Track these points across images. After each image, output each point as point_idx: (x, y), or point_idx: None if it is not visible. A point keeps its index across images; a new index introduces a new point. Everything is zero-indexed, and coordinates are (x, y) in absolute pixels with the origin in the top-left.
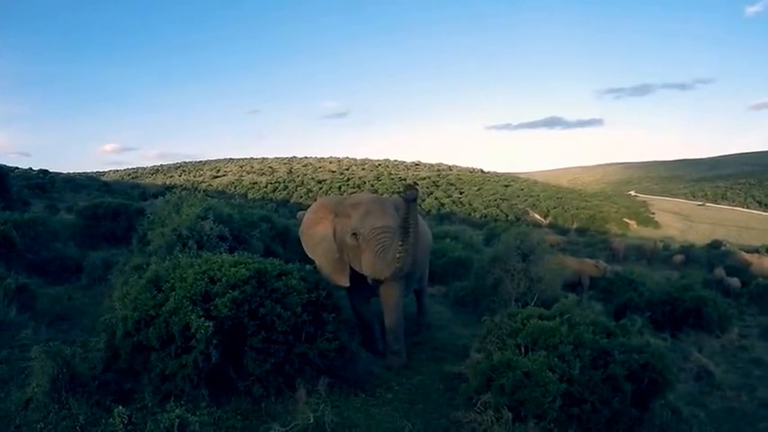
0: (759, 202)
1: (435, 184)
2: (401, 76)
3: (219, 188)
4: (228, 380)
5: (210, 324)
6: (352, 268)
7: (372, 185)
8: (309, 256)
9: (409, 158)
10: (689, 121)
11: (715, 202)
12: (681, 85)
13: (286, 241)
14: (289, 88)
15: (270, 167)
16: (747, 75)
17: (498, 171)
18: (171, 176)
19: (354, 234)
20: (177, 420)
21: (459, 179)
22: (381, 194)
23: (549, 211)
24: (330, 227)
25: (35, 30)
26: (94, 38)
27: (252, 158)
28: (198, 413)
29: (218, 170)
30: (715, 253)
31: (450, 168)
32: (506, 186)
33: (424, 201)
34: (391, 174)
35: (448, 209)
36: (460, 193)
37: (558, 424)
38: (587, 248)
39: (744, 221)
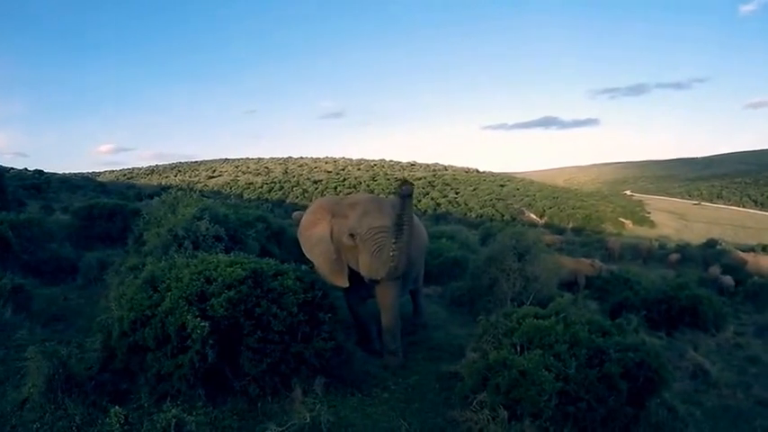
0: (755, 201)
1: (431, 185)
2: (397, 77)
3: (215, 188)
4: (225, 380)
5: (206, 324)
6: (350, 268)
7: (368, 186)
8: (308, 257)
9: (405, 158)
10: (684, 121)
11: (710, 201)
12: (676, 85)
13: (282, 241)
14: (285, 88)
15: (265, 168)
16: (743, 74)
17: (494, 171)
18: (166, 177)
19: (352, 234)
20: (174, 420)
21: (455, 179)
22: (377, 195)
23: (544, 210)
24: (327, 227)
25: (31, 31)
26: (91, 39)
27: (247, 159)
28: (194, 413)
29: (214, 170)
30: (711, 252)
31: (445, 168)
32: (502, 186)
33: (419, 201)
34: (387, 174)
35: (444, 209)
36: (456, 193)
37: (553, 422)
38: (583, 248)
39: (739, 220)
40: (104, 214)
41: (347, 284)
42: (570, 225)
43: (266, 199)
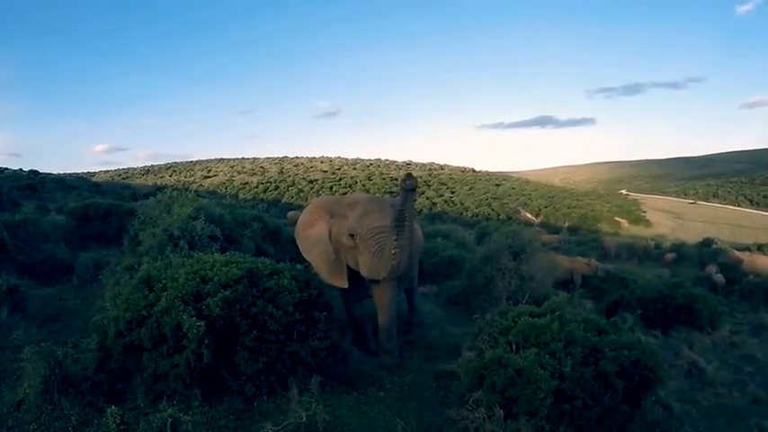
0: (750, 201)
1: (427, 184)
2: (393, 76)
3: (210, 188)
4: (221, 379)
5: (202, 324)
6: (348, 268)
7: (364, 185)
8: (305, 257)
9: (401, 158)
10: (680, 120)
11: (706, 200)
12: (672, 84)
13: (277, 241)
14: (280, 88)
15: (261, 167)
16: (739, 73)
17: (490, 170)
18: (162, 177)
19: (352, 234)
20: (170, 420)
21: (451, 178)
22: (373, 194)
23: (540, 209)
24: (325, 228)
25: (25, 31)
26: (86, 39)
27: (243, 158)
28: (190, 413)
29: (209, 170)
30: (706, 251)
31: (441, 168)
32: (498, 185)
33: (415, 200)
34: (383, 173)
35: (440, 208)
36: (452, 193)
37: (549, 421)
38: (579, 247)
39: (735, 219)
40: (100, 214)
41: (347, 285)
42: (566, 224)
43: (262, 199)
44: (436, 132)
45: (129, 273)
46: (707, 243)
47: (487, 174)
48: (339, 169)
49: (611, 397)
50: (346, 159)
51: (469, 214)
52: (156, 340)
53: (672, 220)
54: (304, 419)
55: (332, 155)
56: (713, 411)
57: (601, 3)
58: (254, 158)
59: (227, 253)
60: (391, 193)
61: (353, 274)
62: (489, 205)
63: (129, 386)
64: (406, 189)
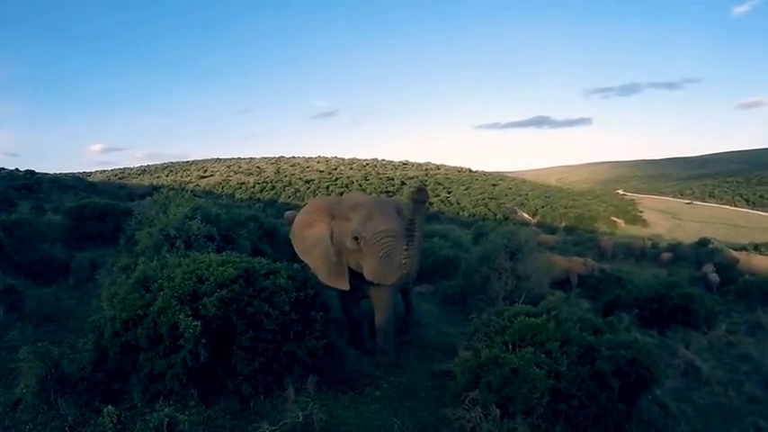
0: (747, 200)
1: (423, 184)
2: (390, 76)
3: (207, 188)
4: (217, 379)
5: (199, 323)
6: (348, 270)
7: (360, 185)
8: (302, 258)
9: (397, 158)
10: (677, 120)
11: (703, 200)
12: (668, 85)
13: (274, 241)
14: (277, 87)
15: (257, 167)
16: (735, 74)
17: (486, 170)
18: (158, 177)
19: (355, 238)
20: (166, 420)
21: (448, 178)
22: (369, 194)
23: (537, 209)
24: (326, 229)
25: (24, 30)
26: (83, 38)
27: (239, 158)
28: (187, 412)
29: (206, 170)
30: (703, 251)
31: (438, 168)
32: (494, 185)
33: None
34: (379, 173)
35: (436, 208)
36: (449, 193)
37: (545, 420)
38: (576, 247)
39: (731, 219)
40: (96, 214)
41: (348, 287)
42: (563, 224)
43: (258, 199)
44: (433, 132)
45: (126, 272)
46: (703, 243)
47: (484, 174)
48: (336, 169)
49: (608, 396)
50: (343, 159)
51: (466, 214)
52: (153, 340)
53: (668, 219)
54: (301, 419)
55: (328, 155)
56: (709, 410)
57: (598, 3)
58: (251, 158)
59: (224, 253)
60: (388, 192)
61: (352, 276)
62: (486, 205)
63: (125, 386)
64: (417, 201)
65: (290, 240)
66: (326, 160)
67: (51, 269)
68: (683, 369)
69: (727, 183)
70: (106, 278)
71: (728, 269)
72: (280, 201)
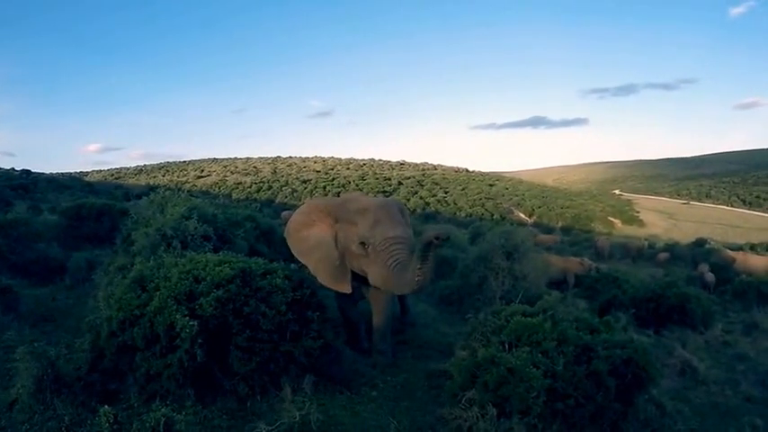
0: (743, 201)
1: (420, 184)
2: (386, 76)
3: (204, 188)
4: (214, 379)
5: (195, 323)
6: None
7: (357, 185)
8: (299, 258)
9: (394, 158)
10: (673, 121)
11: (699, 200)
12: (665, 85)
13: (271, 241)
14: (273, 87)
15: (254, 167)
16: (732, 75)
17: (483, 170)
18: (154, 177)
19: (362, 243)
20: (163, 420)
21: (444, 178)
22: (366, 194)
23: (534, 210)
24: (329, 232)
25: (20, 30)
26: (81, 38)
27: (236, 158)
28: (184, 412)
29: (202, 170)
30: (699, 251)
31: (435, 168)
32: (491, 186)
33: (408, 200)
34: (376, 173)
35: (433, 208)
36: (445, 193)
37: (542, 419)
38: (572, 247)
39: (728, 219)
40: (92, 214)
41: (350, 291)
42: (559, 224)
43: (255, 199)
44: (429, 132)
45: (122, 272)
46: (700, 243)
47: (481, 174)
48: (332, 169)
49: (604, 395)
50: (339, 159)
51: (463, 214)
52: (149, 340)
53: (665, 220)
54: (297, 419)
55: (325, 155)
56: (706, 409)
57: (595, 4)
58: (247, 158)
59: (221, 252)
60: (385, 192)
61: (352, 278)
62: (483, 205)
63: (122, 386)
64: (438, 238)
65: (286, 240)
66: (323, 160)
67: (48, 269)
68: (679, 368)
69: (723, 183)
70: (103, 278)
71: (725, 269)
72: (276, 201)
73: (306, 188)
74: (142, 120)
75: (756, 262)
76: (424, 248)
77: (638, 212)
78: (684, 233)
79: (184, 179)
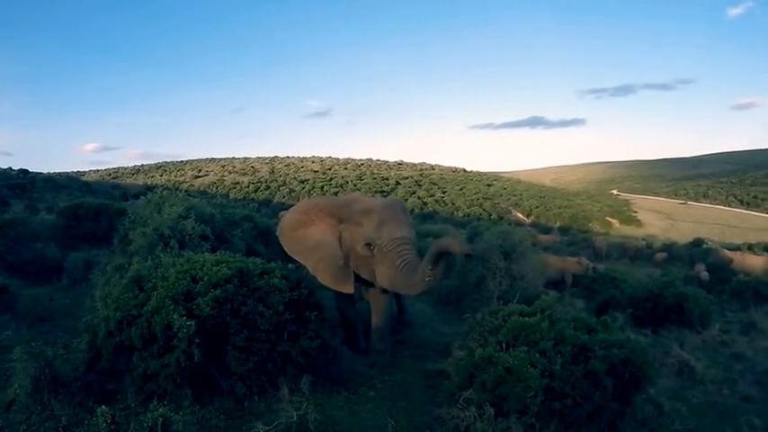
0: (740, 201)
1: (418, 184)
2: (384, 76)
3: (201, 188)
4: (211, 379)
5: (193, 323)
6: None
7: (355, 185)
8: (296, 258)
9: (392, 158)
10: (671, 121)
11: (697, 200)
12: (663, 86)
13: (268, 241)
14: (272, 87)
15: (252, 167)
16: (730, 75)
17: (481, 170)
18: (152, 176)
19: (368, 244)
20: (161, 420)
21: (442, 178)
22: (365, 193)
23: (531, 210)
24: (332, 232)
25: (18, 30)
26: (79, 38)
27: (233, 158)
28: (181, 412)
29: (200, 170)
30: (697, 251)
31: (432, 168)
32: (489, 186)
33: (406, 200)
34: (374, 173)
35: (431, 208)
36: (443, 193)
37: (539, 419)
38: (570, 247)
39: (725, 219)
40: (90, 214)
41: (353, 291)
42: (557, 224)
43: (253, 198)
44: (427, 132)
45: (120, 272)
46: (697, 243)
47: (478, 174)
48: (330, 169)
49: (601, 395)
50: (337, 159)
51: (461, 214)
52: (147, 340)
53: (663, 220)
54: (295, 419)
55: (323, 154)
56: (703, 409)
57: (594, 4)
58: (245, 158)
59: (218, 252)
60: (382, 192)
61: (355, 279)
62: (480, 205)
63: (119, 386)
64: (462, 254)
65: (279, 239)
66: (321, 160)
67: (45, 269)
68: (677, 368)
69: (721, 183)
70: (100, 278)
71: (722, 269)
72: (274, 201)
73: (303, 188)
74: (140, 119)
75: (754, 262)
76: (437, 255)
77: (635, 212)
78: (682, 233)
79: (182, 179)
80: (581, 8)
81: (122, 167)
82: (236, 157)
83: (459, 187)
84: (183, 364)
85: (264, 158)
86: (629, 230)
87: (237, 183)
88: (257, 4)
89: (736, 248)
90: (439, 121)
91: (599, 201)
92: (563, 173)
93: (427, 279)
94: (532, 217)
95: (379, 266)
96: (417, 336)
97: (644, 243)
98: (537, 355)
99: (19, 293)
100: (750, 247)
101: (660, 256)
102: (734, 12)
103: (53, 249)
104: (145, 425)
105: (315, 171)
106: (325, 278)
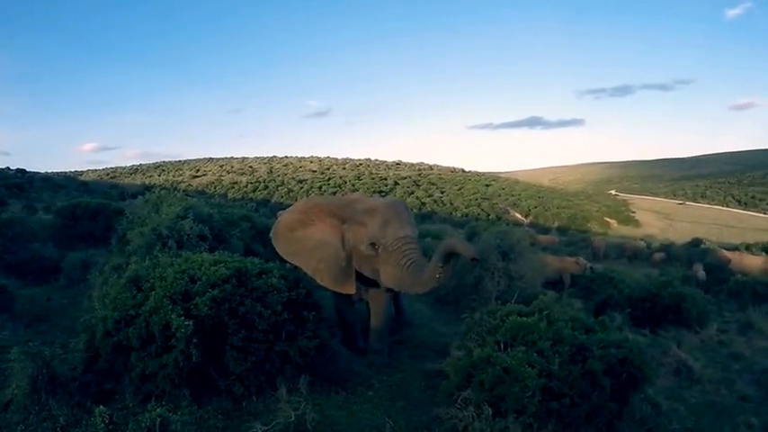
0: (738, 201)
1: (416, 184)
2: (383, 76)
3: (199, 188)
4: (209, 379)
5: (191, 323)
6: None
7: (353, 185)
8: (292, 259)
9: (390, 158)
10: (669, 121)
11: (695, 200)
12: (661, 86)
13: (266, 241)
14: (271, 87)
15: (250, 167)
16: (728, 75)
17: (479, 170)
18: (150, 176)
19: (372, 244)
20: (159, 420)
21: (441, 178)
22: (363, 193)
23: (530, 210)
24: (333, 232)
25: (17, 29)
26: (76, 37)
27: (232, 158)
28: (179, 413)
29: (198, 170)
30: (695, 251)
31: (431, 168)
32: (487, 186)
33: (405, 200)
34: (372, 173)
35: (429, 208)
36: (441, 193)
37: (537, 419)
38: (568, 247)
39: (723, 220)
40: (88, 214)
41: (354, 291)
42: (555, 224)
43: (251, 198)
44: (426, 132)
45: (117, 272)
46: (695, 243)
47: (477, 174)
48: (328, 169)
49: (599, 395)
50: (336, 159)
51: (459, 214)
52: (145, 340)
53: (661, 220)
54: (293, 419)
55: (321, 154)
56: (701, 408)
57: (593, 4)
58: (244, 158)
59: (216, 252)
60: (381, 192)
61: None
62: (479, 205)
63: (117, 386)
64: (469, 257)
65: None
66: (319, 160)
67: (42, 269)
68: (674, 368)
69: (719, 183)
70: (98, 278)
71: (720, 269)
72: (272, 200)
73: (302, 188)
74: (138, 119)
75: (751, 262)
76: (447, 255)
77: (633, 213)
78: (680, 233)
79: (180, 179)
80: (580, 8)
81: (120, 167)
82: (235, 156)
83: (457, 187)
84: (181, 364)
85: (263, 158)
86: (627, 230)
87: (236, 183)
88: (256, 5)
89: (734, 248)
90: (437, 121)
91: (597, 201)
92: (561, 173)
93: (438, 276)
94: (531, 217)
95: (383, 266)
96: (416, 336)
97: (642, 243)
98: (535, 354)
99: (16, 293)
100: (748, 248)
101: (658, 256)
102: (732, 12)
103: (51, 249)
104: (143, 425)
105: (313, 171)
106: (324, 279)
